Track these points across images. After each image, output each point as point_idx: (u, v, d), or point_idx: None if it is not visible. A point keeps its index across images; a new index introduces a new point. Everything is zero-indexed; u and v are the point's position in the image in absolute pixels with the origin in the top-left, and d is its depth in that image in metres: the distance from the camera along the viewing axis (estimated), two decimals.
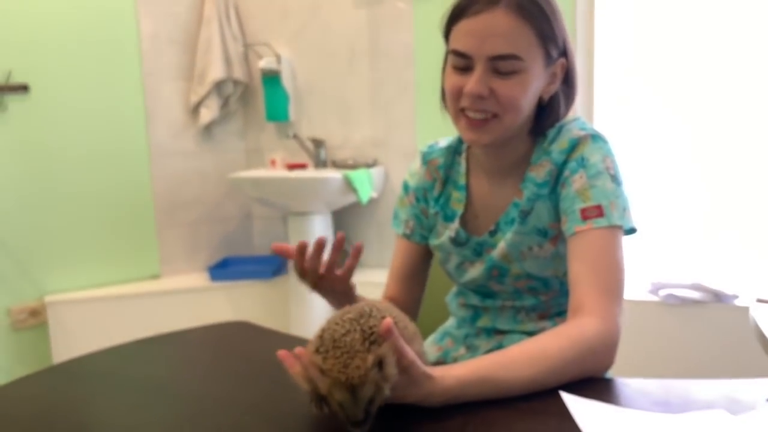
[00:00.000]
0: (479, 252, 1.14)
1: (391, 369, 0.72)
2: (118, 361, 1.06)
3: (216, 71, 2.97)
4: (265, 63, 2.98)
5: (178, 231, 3.13)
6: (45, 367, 1.05)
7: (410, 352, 0.74)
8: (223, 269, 3.10)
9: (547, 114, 1.07)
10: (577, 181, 1.01)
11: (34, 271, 2.80)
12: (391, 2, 2.83)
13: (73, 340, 2.81)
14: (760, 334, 1.25)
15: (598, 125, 2.57)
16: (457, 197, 1.17)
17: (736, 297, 2.27)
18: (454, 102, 1.03)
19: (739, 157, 2.41)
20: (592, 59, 2.54)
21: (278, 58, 3.00)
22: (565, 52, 1.04)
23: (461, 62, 0.99)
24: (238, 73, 3.05)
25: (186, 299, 2.95)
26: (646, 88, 2.53)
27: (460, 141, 1.20)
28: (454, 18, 1.01)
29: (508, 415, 0.77)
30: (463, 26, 0.98)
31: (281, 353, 0.77)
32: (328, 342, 0.73)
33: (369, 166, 2.90)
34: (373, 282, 2.62)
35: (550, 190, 1.06)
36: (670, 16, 2.44)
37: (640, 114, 2.54)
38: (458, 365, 0.82)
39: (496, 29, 0.95)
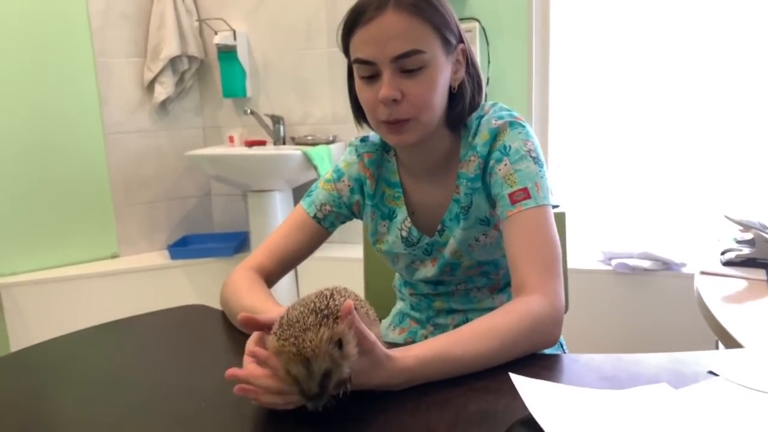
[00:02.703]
0: (429, 251, 1.16)
1: (351, 348, 0.72)
2: (71, 350, 1.04)
3: (170, 47, 2.91)
4: (221, 38, 2.93)
5: (136, 210, 3.09)
6: None
7: (371, 335, 0.75)
8: (183, 247, 3.08)
9: (458, 102, 1.08)
10: (502, 168, 1.04)
11: None
12: None
13: (31, 322, 2.77)
14: (704, 306, 1.30)
15: (554, 102, 2.60)
16: (392, 194, 1.19)
17: (684, 265, 2.36)
18: (372, 113, 1.04)
19: (689, 127, 2.47)
20: (547, 54, 2.57)
21: (234, 34, 2.94)
22: (461, 38, 1.06)
23: (367, 70, 1.01)
24: (193, 48, 3.00)
25: (146, 278, 2.93)
26: (597, 63, 2.57)
27: None
28: (348, 31, 1.02)
29: (463, 393, 0.79)
30: (360, 36, 1.00)
31: (237, 388, 0.75)
32: (284, 325, 0.74)
33: (329, 142, 2.88)
34: (335, 257, 2.64)
35: (481, 181, 1.09)
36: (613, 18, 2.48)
37: (590, 87, 2.59)
38: (415, 345, 0.84)
39: (391, 31, 0.97)
